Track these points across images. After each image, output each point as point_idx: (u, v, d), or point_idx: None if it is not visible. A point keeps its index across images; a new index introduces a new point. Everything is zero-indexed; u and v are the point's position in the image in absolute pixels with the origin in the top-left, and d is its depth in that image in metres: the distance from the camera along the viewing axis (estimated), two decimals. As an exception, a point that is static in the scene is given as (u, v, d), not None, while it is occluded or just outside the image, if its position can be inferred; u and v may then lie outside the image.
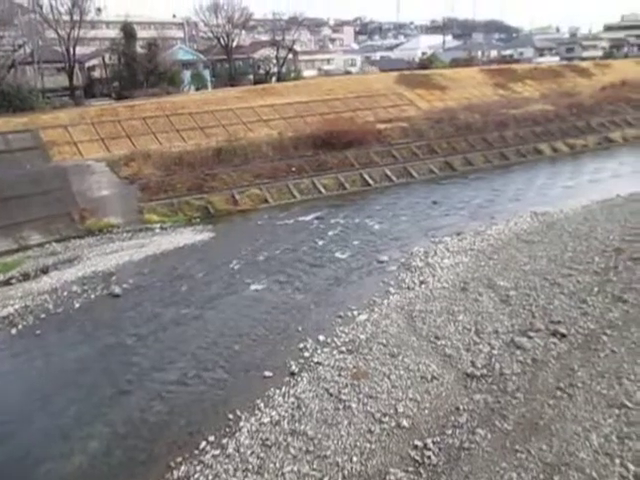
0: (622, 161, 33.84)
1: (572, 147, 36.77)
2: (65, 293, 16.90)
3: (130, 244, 21.51)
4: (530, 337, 12.33)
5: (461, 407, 10.23)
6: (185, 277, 18.15)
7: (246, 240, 21.63)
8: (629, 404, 9.79)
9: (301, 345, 13.14)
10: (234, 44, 57.71)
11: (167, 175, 26.75)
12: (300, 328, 14.10)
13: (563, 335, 12.30)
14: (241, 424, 10.36)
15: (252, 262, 19.23)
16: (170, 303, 16.17)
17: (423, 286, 15.93)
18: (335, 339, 13.26)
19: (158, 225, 23.58)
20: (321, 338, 13.36)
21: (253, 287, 17.06)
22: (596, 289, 14.46)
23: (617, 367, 10.95)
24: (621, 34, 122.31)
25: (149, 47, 47.30)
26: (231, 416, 10.63)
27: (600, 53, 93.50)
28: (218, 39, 57.07)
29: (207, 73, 54.28)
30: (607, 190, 25.58)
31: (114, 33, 51.90)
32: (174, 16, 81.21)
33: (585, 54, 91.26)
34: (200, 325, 14.75)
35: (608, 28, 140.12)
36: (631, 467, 8.41)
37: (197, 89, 49.33)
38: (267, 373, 12.08)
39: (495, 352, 11.92)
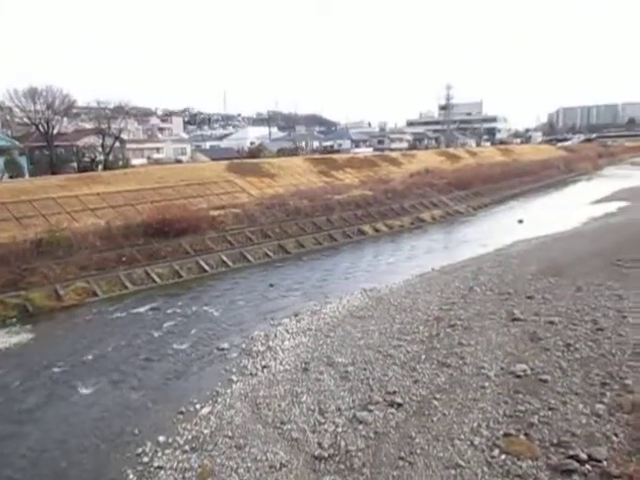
0: (433, 238, 38.21)
1: (391, 227, 40.66)
2: None
3: None
4: (370, 410, 12.78)
5: (311, 492, 10.10)
6: (-3, 388, 15.87)
7: (72, 339, 19.77)
8: (462, 463, 10.51)
9: (139, 450, 12.07)
10: (55, 131, 54.95)
11: (-26, 272, 23.78)
12: (137, 431, 12.99)
13: (399, 404, 12.96)
14: None
15: (79, 363, 17.52)
16: (-22, 421, 13.92)
17: (266, 370, 15.84)
18: (177, 438, 12.44)
19: (-38, 330, 20.56)
20: (161, 439, 12.44)
21: (81, 391, 15.43)
22: (423, 357, 15.63)
23: (449, 429, 11.77)
24: (421, 129, 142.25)
25: (-48, 133, 43.15)
26: None
27: (406, 145, 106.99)
28: (37, 125, 53.95)
29: (24, 160, 50.55)
30: (423, 265, 28.53)
31: None
32: (-17, 101, 75.47)
33: (393, 145, 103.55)
34: (17, 443, 12.83)
35: (410, 123, 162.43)
36: (470, 525, 8.93)
37: (11, 177, 45.57)
38: (100, 488, 10.83)
39: (340, 430, 12.10)
